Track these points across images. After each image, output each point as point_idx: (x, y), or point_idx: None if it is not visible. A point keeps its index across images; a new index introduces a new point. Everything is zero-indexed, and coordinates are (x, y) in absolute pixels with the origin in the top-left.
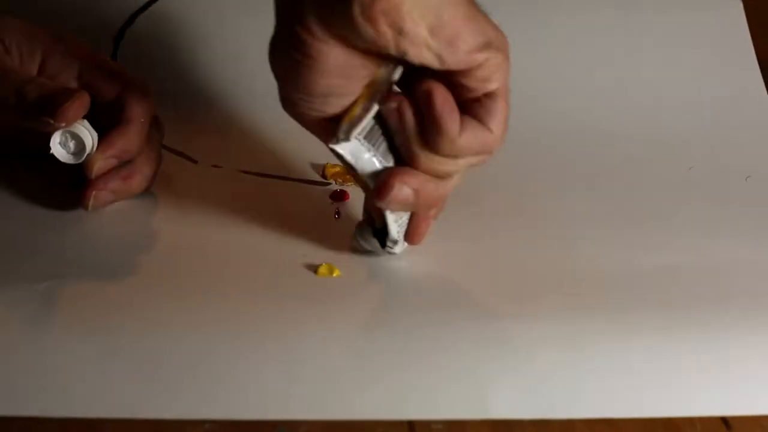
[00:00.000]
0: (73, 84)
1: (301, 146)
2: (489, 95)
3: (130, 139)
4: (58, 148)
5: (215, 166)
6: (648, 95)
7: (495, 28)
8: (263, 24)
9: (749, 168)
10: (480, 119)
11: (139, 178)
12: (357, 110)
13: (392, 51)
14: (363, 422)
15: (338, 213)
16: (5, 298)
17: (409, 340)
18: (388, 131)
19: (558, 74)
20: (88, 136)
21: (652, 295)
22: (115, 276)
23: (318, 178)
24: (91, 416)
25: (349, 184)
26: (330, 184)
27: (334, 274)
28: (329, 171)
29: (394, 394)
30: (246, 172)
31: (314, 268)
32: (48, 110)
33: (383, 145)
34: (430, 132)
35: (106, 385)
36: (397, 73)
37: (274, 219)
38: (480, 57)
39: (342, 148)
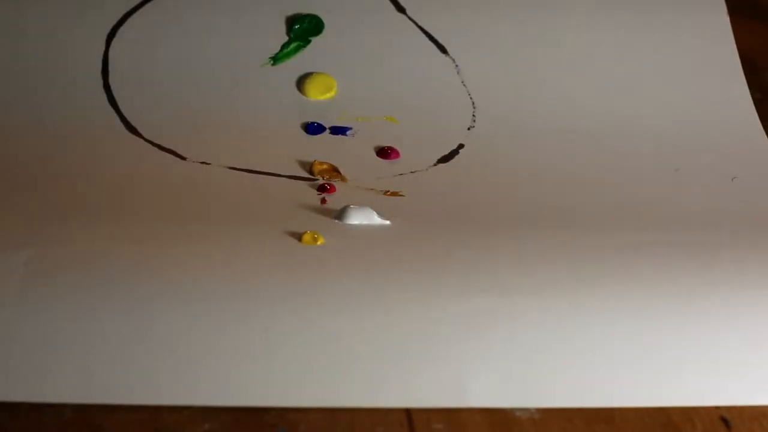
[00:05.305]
0: None
1: (288, 144)
2: None
3: None
4: None
5: (203, 162)
6: (633, 97)
7: None
8: (254, 23)
9: (735, 169)
10: None
11: None
12: None
13: None
14: (362, 421)
15: (324, 200)
16: None
17: (390, 321)
18: None
19: (543, 76)
20: None
21: (640, 282)
22: (102, 266)
23: (305, 174)
24: (81, 402)
25: (336, 180)
26: (317, 180)
27: (319, 243)
28: (317, 168)
29: (375, 379)
30: (234, 169)
31: (298, 236)
32: None
33: None
34: None
35: (90, 369)
36: None
37: (261, 210)
38: None
39: None
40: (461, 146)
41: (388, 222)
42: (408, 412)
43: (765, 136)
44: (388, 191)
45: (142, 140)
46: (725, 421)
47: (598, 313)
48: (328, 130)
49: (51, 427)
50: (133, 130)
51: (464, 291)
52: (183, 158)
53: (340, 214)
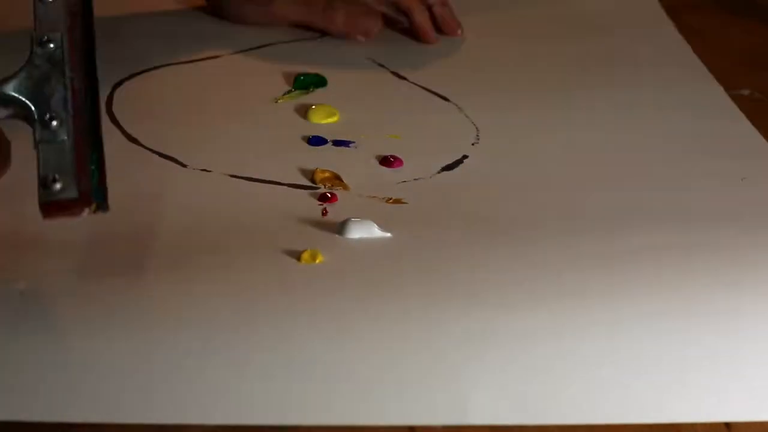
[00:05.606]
0: None
1: (290, 152)
2: None
3: None
4: None
5: (204, 170)
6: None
7: None
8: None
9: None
10: None
11: None
12: None
13: None
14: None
15: (325, 211)
16: None
17: (391, 339)
18: None
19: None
20: None
21: (643, 297)
22: (99, 276)
23: (307, 183)
24: (82, 421)
25: (339, 188)
26: (318, 188)
27: (317, 261)
28: (318, 176)
29: (373, 398)
30: (235, 177)
31: (297, 255)
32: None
33: None
34: None
35: (90, 394)
36: None
37: (261, 219)
38: None
39: None
40: (465, 157)
41: (389, 234)
42: None
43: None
44: (391, 199)
45: (143, 149)
46: (726, 422)
47: (602, 327)
48: (330, 143)
49: (51, 428)
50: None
51: (466, 306)
52: (184, 165)
53: (341, 228)
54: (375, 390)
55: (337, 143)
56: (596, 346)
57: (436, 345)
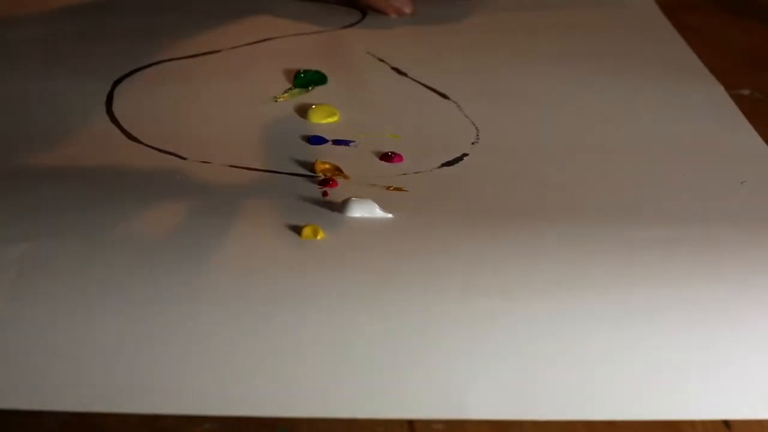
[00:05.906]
0: None
1: (290, 150)
2: None
3: None
4: None
5: (204, 162)
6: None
7: None
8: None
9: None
10: None
11: None
12: None
13: None
14: (363, 421)
15: (326, 193)
16: None
17: (390, 328)
18: None
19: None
20: None
21: (644, 291)
22: (100, 261)
23: (307, 172)
24: (78, 410)
25: (339, 178)
26: (319, 176)
27: (318, 237)
28: (319, 167)
29: (374, 389)
30: (234, 167)
31: (298, 230)
32: None
33: None
34: None
35: (86, 374)
36: None
37: (261, 200)
38: None
39: None
40: (465, 155)
41: (390, 215)
42: None
43: (757, 135)
44: (391, 186)
45: (142, 145)
46: (726, 421)
47: (601, 322)
48: (330, 142)
49: (51, 427)
50: (134, 140)
51: (467, 293)
52: (183, 158)
53: (341, 206)
54: (373, 381)
55: (337, 142)
56: (596, 341)
57: (435, 334)
